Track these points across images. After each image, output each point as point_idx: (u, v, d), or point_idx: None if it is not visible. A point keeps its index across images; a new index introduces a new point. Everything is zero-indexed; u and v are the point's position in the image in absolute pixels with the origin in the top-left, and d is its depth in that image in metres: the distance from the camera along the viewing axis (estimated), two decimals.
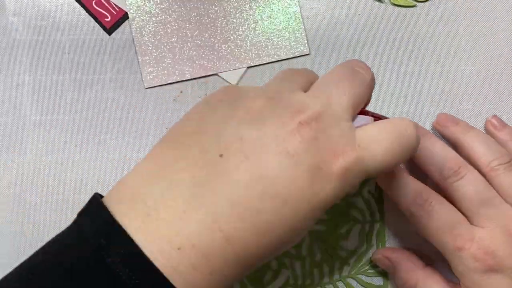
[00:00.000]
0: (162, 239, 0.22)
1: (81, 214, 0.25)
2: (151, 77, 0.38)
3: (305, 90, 0.27)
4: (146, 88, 0.38)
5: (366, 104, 0.29)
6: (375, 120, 0.28)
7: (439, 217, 0.32)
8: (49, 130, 0.37)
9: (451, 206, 0.32)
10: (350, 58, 0.38)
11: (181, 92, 0.38)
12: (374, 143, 0.25)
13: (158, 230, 0.22)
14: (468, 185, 0.32)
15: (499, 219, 0.31)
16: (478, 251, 0.31)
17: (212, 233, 0.22)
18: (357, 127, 0.26)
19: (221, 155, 0.23)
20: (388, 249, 0.36)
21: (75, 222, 0.25)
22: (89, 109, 0.38)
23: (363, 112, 0.28)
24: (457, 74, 0.38)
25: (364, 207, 0.37)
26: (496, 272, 0.31)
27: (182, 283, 0.22)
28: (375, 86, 0.38)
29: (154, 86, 0.38)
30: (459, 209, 0.32)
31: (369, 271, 0.37)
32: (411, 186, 0.33)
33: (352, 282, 0.37)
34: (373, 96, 0.38)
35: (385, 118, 0.30)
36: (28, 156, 0.37)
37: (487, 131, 0.37)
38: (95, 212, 0.24)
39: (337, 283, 0.37)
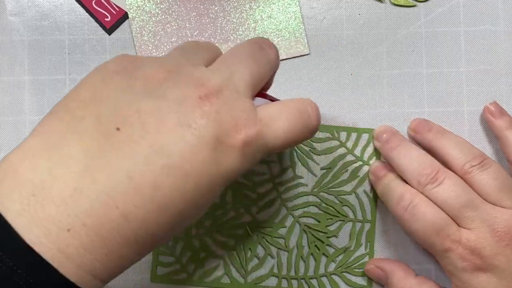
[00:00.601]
0: (49, 220, 0.20)
1: None
2: None
3: (208, 64, 0.26)
4: None
5: (267, 87, 0.30)
6: None
7: (424, 218, 0.32)
8: None
9: (436, 207, 0.32)
10: (350, 58, 0.38)
11: None
12: (275, 120, 0.25)
13: (44, 210, 0.20)
14: (447, 190, 0.32)
15: (482, 220, 0.32)
16: (465, 251, 0.31)
17: (107, 210, 0.21)
18: (257, 106, 0.26)
19: (118, 128, 0.22)
20: (380, 259, 0.37)
21: None
22: None
23: (263, 95, 0.29)
24: (457, 74, 0.38)
25: (358, 206, 0.37)
26: (484, 271, 0.31)
27: (72, 267, 0.21)
28: (374, 86, 0.38)
29: None
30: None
31: (355, 269, 0.37)
32: (396, 188, 0.34)
33: (337, 279, 0.37)
34: (373, 96, 0.38)
35: None
36: None
37: (485, 117, 0.37)
38: None
39: (322, 278, 0.37)
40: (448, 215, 0.32)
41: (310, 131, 0.27)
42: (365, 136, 0.38)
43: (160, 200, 0.22)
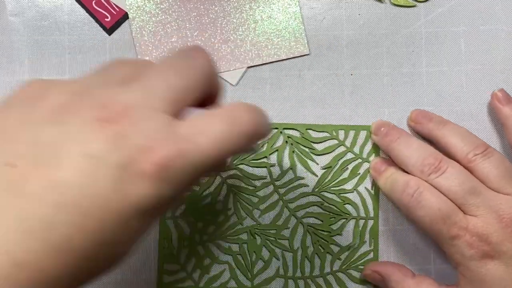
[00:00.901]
0: None
1: None
2: None
3: (128, 83, 0.24)
4: None
5: (213, 98, 0.26)
6: None
7: (431, 206, 0.32)
8: None
9: (441, 195, 0.32)
10: (350, 58, 0.38)
11: None
12: (200, 134, 0.22)
13: None
14: (451, 178, 0.33)
15: (487, 206, 0.32)
16: (472, 238, 0.31)
17: None
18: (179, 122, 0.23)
19: (14, 165, 0.20)
20: (376, 263, 0.37)
21: None
22: None
23: (211, 104, 0.26)
24: (457, 74, 0.38)
25: (360, 203, 0.37)
26: (492, 258, 0.31)
27: None
28: (374, 86, 0.38)
29: None
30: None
31: (360, 266, 0.37)
32: (399, 178, 0.34)
33: (342, 276, 0.37)
34: (373, 96, 0.38)
35: None
36: None
37: (492, 104, 0.37)
38: None
39: (327, 276, 0.37)
40: (453, 203, 0.32)
41: (249, 138, 0.23)
42: (363, 134, 0.38)
43: (55, 242, 0.19)
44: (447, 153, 0.34)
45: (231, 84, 0.38)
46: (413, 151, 0.34)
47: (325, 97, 0.38)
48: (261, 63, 0.38)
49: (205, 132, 0.22)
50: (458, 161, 0.34)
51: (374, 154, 0.38)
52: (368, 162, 0.37)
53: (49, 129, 0.21)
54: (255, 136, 0.24)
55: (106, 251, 0.21)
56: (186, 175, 0.22)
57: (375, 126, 0.37)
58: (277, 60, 0.38)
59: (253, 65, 0.38)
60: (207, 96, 0.25)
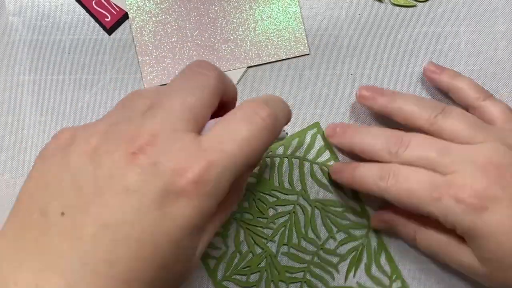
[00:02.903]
0: None
1: None
2: (151, 77, 0.38)
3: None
4: None
5: (229, 106, 0.27)
6: None
7: (408, 180, 0.32)
8: (49, 129, 0.37)
9: (416, 168, 0.32)
10: (350, 58, 0.38)
11: None
12: (225, 142, 0.23)
13: None
14: (417, 148, 0.32)
15: (462, 160, 0.31)
16: (457, 194, 0.30)
17: None
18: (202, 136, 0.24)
19: (62, 213, 0.22)
20: (380, 212, 0.37)
21: None
22: (89, 109, 0.38)
23: (229, 107, 0.26)
24: None
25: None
26: (485, 209, 0.30)
27: None
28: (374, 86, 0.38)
29: None
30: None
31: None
32: (369, 169, 0.34)
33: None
34: None
35: None
36: (28, 156, 0.37)
37: (428, 78, 0.37)
38: None
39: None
40: (429, 170, 0.32)
41: (271, 130, 0.24)
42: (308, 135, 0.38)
43: (120, 275, 0.21)
44: (408, 122, 0.34)
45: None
46: (375, 136, 0.34)
47: (325, 97, 0.38)
48: (261, 63, 0.38)
49: (228, 138, 0.23)
50: (421, 127, 0.34)
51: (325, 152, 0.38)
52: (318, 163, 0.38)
53: (86, 173, 0.22)
54: (277, 126, 0.25)
55: (166, 274, 0.22)
56: (222, 182, 0.23)
57: (329, 130, 0.37)
58: (277, 60, 0.38)
59: (253, 65, 0.38)
60: (223, 103, 0.26)
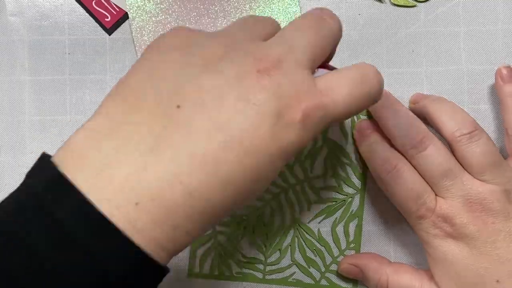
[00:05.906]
0: (118, 195, 0.21)
1: (29, 175, 0.23)
2: None
3: (267, 39, 0.26)
4: None
5: (330, 58, 0.29)
6: None
7: (405, 184, 0.33)
8: (49, 130, 0.37)
9: (417, 175, 0.33)
10: (350, 58, 0.38)
11: None
12: (335, 89, 0.24)
13: (112, 186, 0.21)
14: (430, 158, 0.33)
15: (457, 189, 0.32)
16: (437, 219, 0.32)
17: (172, 186, 0.21)
18: (317, 77, 0.25)
19: (178, 106, 0.22)
20: (351, 256, 0.37)
21: (22, 183, 0.23)
22: (89, 109, 0.38)
23: (325, 66, 0.28)
24: (457, 74, 0.38)
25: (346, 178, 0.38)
26: (455, 239, 0.32)
27: (141, 239, 0.21)
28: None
29: None
30: (423, 179, 0.33)
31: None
32: (381, 152, 0.34)
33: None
34: None
35: None
36: (28, 156, 0.37)
37: (495, 79, 0.37)
38: (43, 171, 0.22)
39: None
40: (428, 183, 0.33)
41: (372, 97, 0.26)
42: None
43: (222, 175, 0.22)
44: (437, 129, 0.34)
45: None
46: (399, 121, 0.34)
47: None
48: None
49: (339, 90, 0.24)
50: (445, 138, 0.34)
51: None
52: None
53: (209, 77, 0.23)
54: (378, 95, 0.26)
55: (255, 187, 0.24)
56: (321, 125, 0.24)
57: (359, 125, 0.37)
58: None
59: None
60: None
